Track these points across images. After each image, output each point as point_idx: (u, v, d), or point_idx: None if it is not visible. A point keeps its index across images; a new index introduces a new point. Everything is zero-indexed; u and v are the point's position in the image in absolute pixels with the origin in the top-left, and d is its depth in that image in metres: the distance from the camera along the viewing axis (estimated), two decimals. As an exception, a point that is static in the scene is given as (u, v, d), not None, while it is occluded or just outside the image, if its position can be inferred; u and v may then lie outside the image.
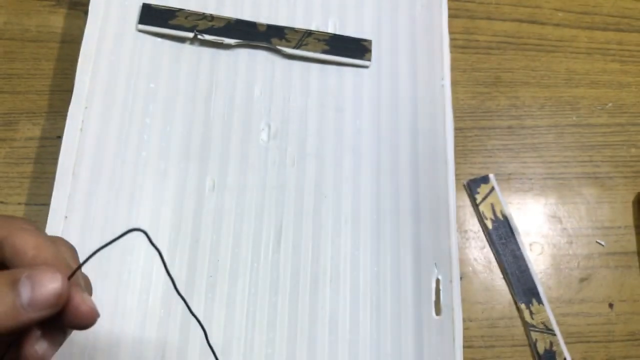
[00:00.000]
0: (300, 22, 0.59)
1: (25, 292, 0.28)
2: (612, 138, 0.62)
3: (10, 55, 0.59)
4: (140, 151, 0.53)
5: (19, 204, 0.54)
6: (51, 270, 0.28)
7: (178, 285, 0.50)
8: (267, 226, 0.52)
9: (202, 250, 0.51)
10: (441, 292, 0.51)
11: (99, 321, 0.47)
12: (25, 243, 0.30)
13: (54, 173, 0.51)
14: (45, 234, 0.32)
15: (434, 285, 0.51)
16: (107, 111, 0.54)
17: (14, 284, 0.28)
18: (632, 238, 0.58)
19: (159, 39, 0.57)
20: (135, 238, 0.51)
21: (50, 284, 0.28)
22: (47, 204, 0.50)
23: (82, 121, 0.53)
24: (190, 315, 0.35)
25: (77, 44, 0.56)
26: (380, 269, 0.52)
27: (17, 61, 0.58)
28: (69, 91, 0.54)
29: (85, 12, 0.57)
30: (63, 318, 0.29)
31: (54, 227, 0.49)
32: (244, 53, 0.58)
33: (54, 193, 0.50)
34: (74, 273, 0.30)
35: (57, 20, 0.60)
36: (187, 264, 0.51)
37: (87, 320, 0.30)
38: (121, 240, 0.51)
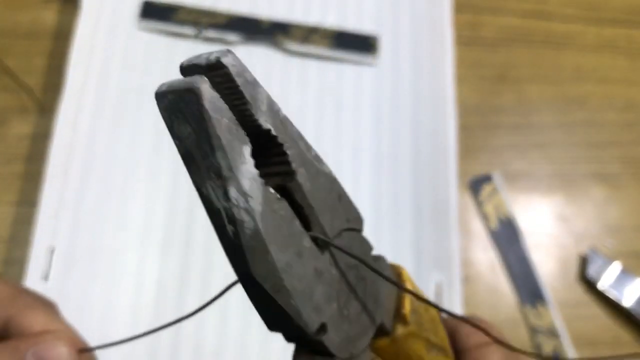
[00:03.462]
0: (299, 16, 0.58)
1: None
2: (621, 136, 0.60)
3: (1, 51, 0.57)
4: (133, 149, 0.52)
5: (10, 203, 0.52)
6: (57, 343, 0.27)
7: (171, 286, 0.49)
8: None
9: (196, 251, 0.50)
10: (443, 294, 0.49)
11: (90, 322, 0.46)
12: (32, 325, 0.27)
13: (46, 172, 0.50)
14: (58, 314, 0.30)
15: (434, 287, 0.50)
16: (100, 108, 0.53)
17: None
18: (642, 239, 0.57)
19: (153, 34, 0.56)
20: (126, 238, 0.50)
21: (57, 357, 0.26)
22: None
23: (74, 118, 0.52)
24: (182, 316, 0.32)
25: (70, 39, 0.55)
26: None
27: (8, 57, 0.57)
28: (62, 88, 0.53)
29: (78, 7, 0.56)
30: None
31: (43, 227, 0.48)
32: (241, 49, 0.56)
33: (44, 191, 0.49)
34: (89, 350, 0.28)
35: (50, 16, 0.59)
36: (181, 264, 0.49)
37: None
38: (112, 239, 0.50)
